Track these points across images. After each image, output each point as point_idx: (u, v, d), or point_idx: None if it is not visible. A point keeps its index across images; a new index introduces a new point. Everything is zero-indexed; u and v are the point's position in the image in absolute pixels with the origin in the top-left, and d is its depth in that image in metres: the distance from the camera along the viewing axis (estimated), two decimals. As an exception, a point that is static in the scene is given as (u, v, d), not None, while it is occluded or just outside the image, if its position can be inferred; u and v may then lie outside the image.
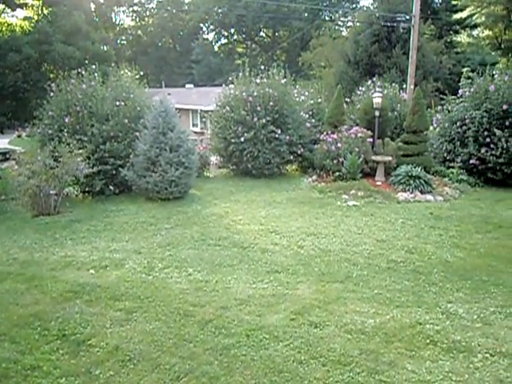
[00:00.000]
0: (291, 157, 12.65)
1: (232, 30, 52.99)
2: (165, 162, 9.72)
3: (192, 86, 37.33)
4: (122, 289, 5.43)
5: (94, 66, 11.37)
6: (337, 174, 11.30)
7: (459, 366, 3.93)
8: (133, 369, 3.91)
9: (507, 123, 11.49)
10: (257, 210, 9.14)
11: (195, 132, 24.53)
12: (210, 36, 55.02)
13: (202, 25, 53.55)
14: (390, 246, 6.97)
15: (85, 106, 10.54)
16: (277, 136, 12.17)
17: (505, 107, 11.45)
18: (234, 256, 6.55)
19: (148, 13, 54.49)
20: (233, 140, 12.32)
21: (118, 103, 10.71)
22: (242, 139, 12.14)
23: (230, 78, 13.28)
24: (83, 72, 11.05)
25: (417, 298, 5.21)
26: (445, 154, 12.60)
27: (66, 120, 10.43)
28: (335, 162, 11.44)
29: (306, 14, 45.18)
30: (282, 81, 12.92)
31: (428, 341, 4.30)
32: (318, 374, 3.80)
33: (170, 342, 4.29)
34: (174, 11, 52.32)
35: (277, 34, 51.69)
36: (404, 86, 16.23)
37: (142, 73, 43.16)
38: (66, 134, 9.96)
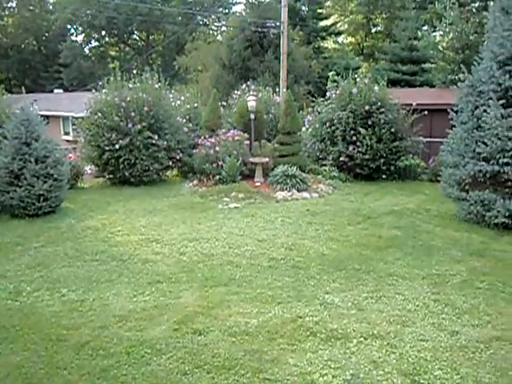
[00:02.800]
0: (170, 162, 12.43)
1: (103, 33, 50.69)
2: (30, 174, 8.91)
3: (61, 91, 34.91)
4: (-18, 320, 4.83)
5: None
6: (217, 177, 11.37)
7: (337, 352, 4.14)
8: (-4, 409, 3.48)
9: (370, 122, 12.55)
10: (136, 219, 8.81)
11: (67, 140, 22.95)
12: (80, 38, 52.03)
13: (69, 26, 50.39)
14: (271, 245, 7.16)
15: None
16: (154, 142, 11.86)
17: (367, 108, 12.49)
18: (112, 270, 6.22)
19: (7, 12, 49.88)
20: (107, 148, 11.74)
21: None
22: (117, 146, 11.63)
23: (100, 83, 12.66)
24: None
25: (297, 293, 5.40)
26: (317, 153, 13.37)
27: None
28: (215, 165, 11.50)
29: (179, 18, 44.93)
30: (156, 85, 12.64)
31: (308, 333, 4.47)
32: (203, 382, 3.73)
33: (42, 372, 3.91)
34: (38, 11, 48.54)
35: (151, 37, 50.61)
36: (277, 90, 16.88)
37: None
38: None
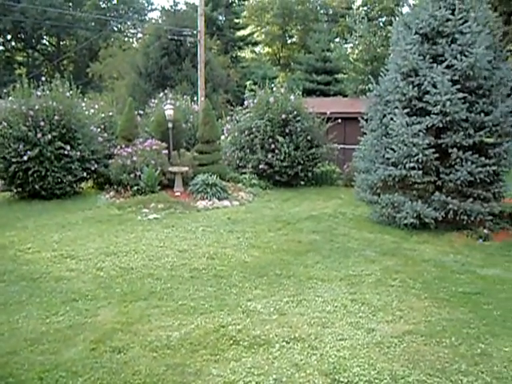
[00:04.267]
0: (85, 174, 11.85)
1: (9, 37, 47.55)
2: None
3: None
4: None
5: None
6: (135, 188, 11.04)
7: (260, 359, 4.16)
8: None
9: (287, 130, 12.90)
10: (49, 235, 8.29)
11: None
12: (-19, 42, 48.39)
13: (-32, 29, 46.72)
14: (192, 255, 7.08)
15: None
16: (66, 152, 11.27)
17: (284, 116, 12.83)
18: (22, 291, 5.78)
19: None
20: (14, 159, 10.95)
21: None
22: (26, 158, 10.89)
23: (5, 91, 11.84)
24: None
25: (219, 302, 5.37)
26: (237, 161, 13.49)
27: None
28: (132, 176, 11.17)
29: (92, 24, 43.35)
30: (68, 93, 12.06)
31: (231, 342, 4.45)
32: (123, 402, 3.57)
33: None
34: None
35: (62, 42, 48.33)
36: (195, 98, 16.82)
37: None
38: None
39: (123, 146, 11.89)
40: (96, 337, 4.54)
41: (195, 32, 18.16)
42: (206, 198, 10.70)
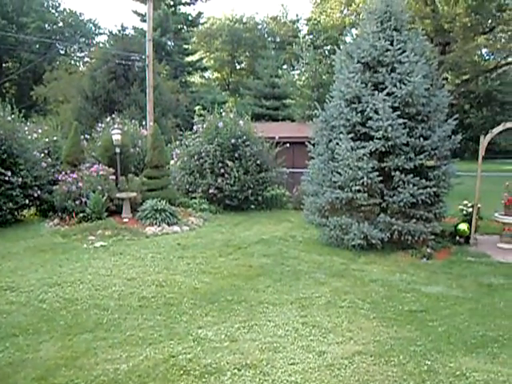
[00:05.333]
0: (27, 201, 11.34)
1: None
2: None
3: None
4: None
5: None
6: (81, 215, 10.68)
7: (211, 389, 4.08)
8: None
9: (236, 155, 12.99)
10: (-14, 265, 7.84)
11: None
12: None
13: None
14: (141, 283, 6.89)
15: None
16: (7, 179, 10.77)
17: (233, 141, 12.93)
18: (-45, 327, 5.41)
19: None
20: (-51, 187, 10.37)
21: None
22: (-38, 185, 10.34)
23: None
24: None
25: (169, 331, 5.24)
26: (187, 186, 13.40)
27: None
28: (78, 202, 10.81)
29: (37, 46, 42.28)
30: (9, 117, 11.61)
31: (182, 372, 4.34)
32: None
33: None
34: None
35: (4, 64, 46.76)
36: (144, 123, 16.67)
37: None
38: None
39: (68, 171, 11.53)
40: (38, 374, 4.31)
41: (144, 57, 18.13)
42: (155, 223, 10.51)
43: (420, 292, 6.59)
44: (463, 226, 9.31)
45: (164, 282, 6.92)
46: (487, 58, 42.49)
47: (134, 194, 11.45)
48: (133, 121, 15.47)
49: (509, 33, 35.55)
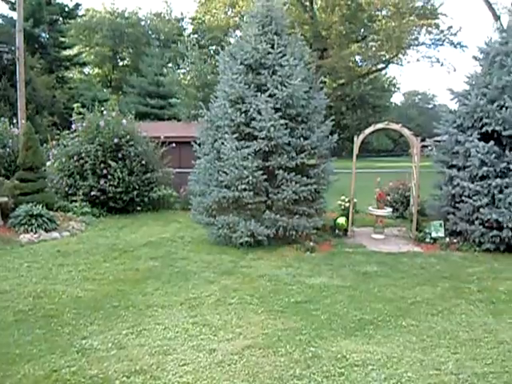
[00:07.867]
0: None
1: None
2: None
3: None
4: None
5: None
6: None
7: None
8: None
9: (120, 155, 12.50)
10: None
11: None
12: None
13: None
14: (16, 296, 6.32)
15: None
16: None
17: (116, 141, 12.42)
18: None
19: None
20: None
21: None
22: None
23: None
24: None
25: (50, 345, 4.89)
26: (66, 189, 12.56)
27: None
28: None
29: None
30: None
31: (65, 387, 4.08)
32: None
33: None
34: None
35: None
36: (15, 121, 15.28)
37: None
38: None
39: None
40: None
41: (13, 49, 16.61)
42: (31, 230, 9.69)
43: (304, 284, 6.95)
44: (341, 220, 10.03)
45: (43, 293, 6.42)
46: (360, 64, 46.32)
47: (5, 198, 10.44)
48: (2, 118, 14.11)
49: (378, 42, 39.12)
